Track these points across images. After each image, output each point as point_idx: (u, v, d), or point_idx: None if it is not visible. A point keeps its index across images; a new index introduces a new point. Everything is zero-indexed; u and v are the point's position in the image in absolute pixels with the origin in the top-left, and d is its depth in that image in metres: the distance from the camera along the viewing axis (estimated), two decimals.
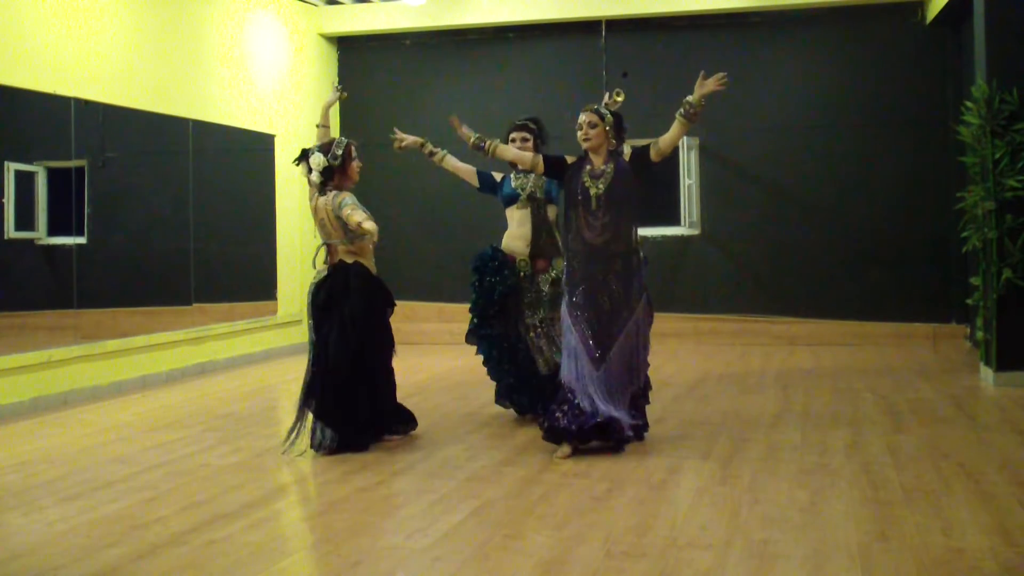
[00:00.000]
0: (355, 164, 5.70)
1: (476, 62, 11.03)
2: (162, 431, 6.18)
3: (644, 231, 10.60)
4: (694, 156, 10.40)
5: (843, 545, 3.67)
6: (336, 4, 10.97)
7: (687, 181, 10.30)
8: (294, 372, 8.92)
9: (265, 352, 9.79)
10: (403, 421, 5.78)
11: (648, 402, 5.56)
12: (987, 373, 7.45)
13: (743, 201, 10.42)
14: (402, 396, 7.30)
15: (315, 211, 5.61)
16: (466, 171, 6.21)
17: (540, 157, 5.43)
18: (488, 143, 5.51)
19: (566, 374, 5.21)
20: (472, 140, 5.55)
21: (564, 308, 5.30)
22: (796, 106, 10.31)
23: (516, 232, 6.07)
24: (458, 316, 11.69)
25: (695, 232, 10.44)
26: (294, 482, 5.00)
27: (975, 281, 7.71)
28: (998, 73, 7.34)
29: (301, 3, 10.74)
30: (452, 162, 6.17)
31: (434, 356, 9.46)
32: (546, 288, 6.01)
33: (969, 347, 9.37)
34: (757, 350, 9.78)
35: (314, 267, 5.66)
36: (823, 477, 4.69)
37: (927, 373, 8.03)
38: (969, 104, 7.59)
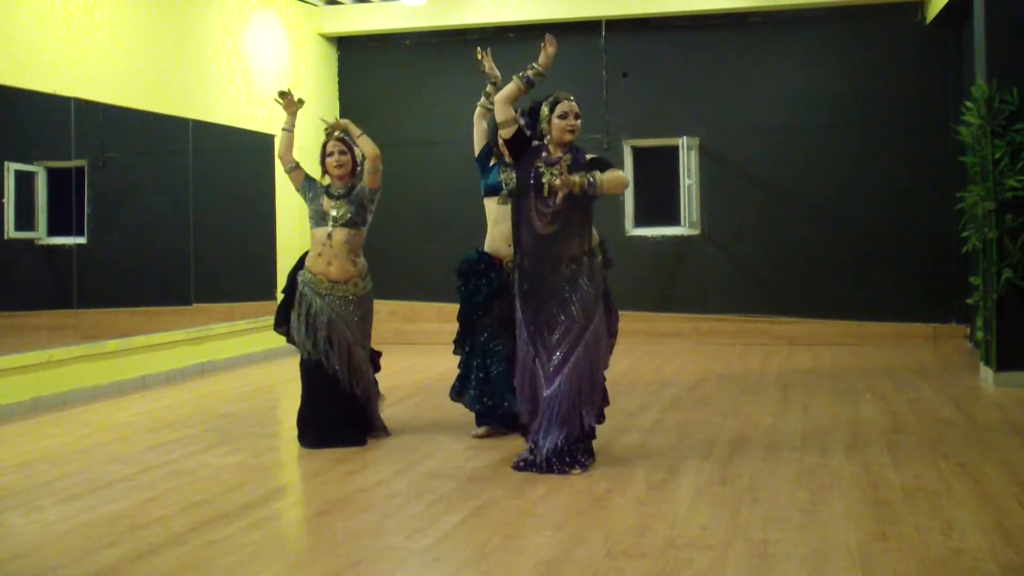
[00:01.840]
0: (328, 161, 5.71)
1: (476, 62, 11.02)
2: (162, 431, 6.17)
3: (644, 231, 10.74)
4: (694, 156, 10.40)
5: (843, 545, 3.67)
6: (336, 4, 10.97)
7: (687, 181, 10.30)
8: (294, 372, 8.87)
9: (265, 352, 9.78)
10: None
11: (603, 420, 5.10)
12: (987, 373, 7.45)
13: (743, 201, 10.42)
14: (403, 396, 7.34)
15: None
16: (479, 133, 5.96)
17: (518, 124, 5.03)
18: (527, 79, 4.97)
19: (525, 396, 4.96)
20: (523, 76, 4.98)
21: (518, 315, 4.98)
22: (796, 106, 10.31)
23: (495, 231, 5.81)
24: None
25: (695, 232, 10.44)
26: (294, 482, 5.00)
27: (975, 281, 7.71)
28: (998, 73, 7.34)
29: (301, 3, 10.74)
30: (479, 118, 5.94)
31: (434, 356, 9.45)
32: None
33: (969, 347, 9.37)
34: (757, 350, 9.78)
35: None
36: (823, 477, 4.69)
37: (927, 373, 8.03)
38: (969, 104, 7.59)
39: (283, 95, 5.88)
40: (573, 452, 4.85)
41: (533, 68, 4.98)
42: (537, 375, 4.90)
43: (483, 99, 6.00)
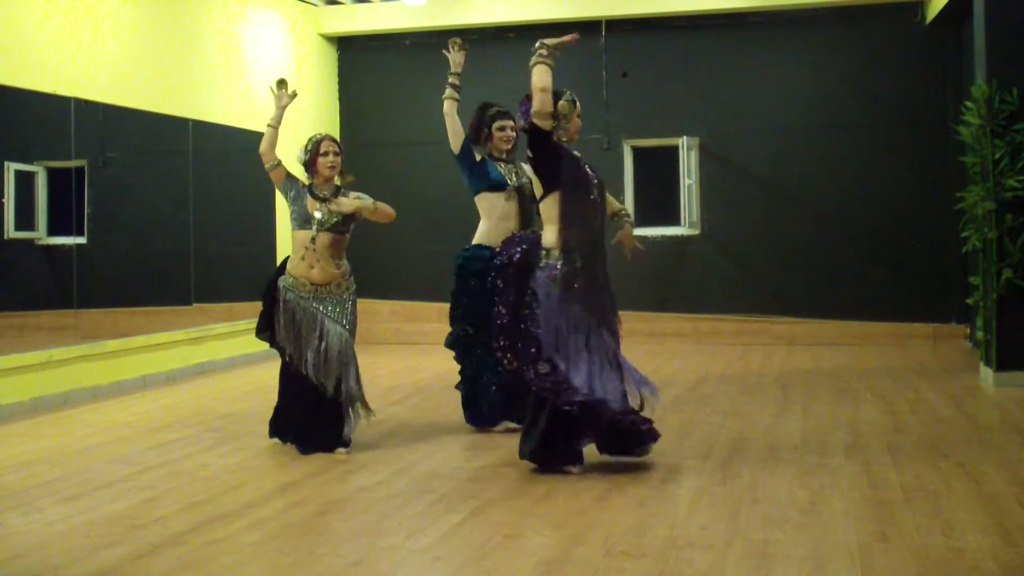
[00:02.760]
0: (321, 160, 5.52)
1: (476, 62, 10.99)
2: (162, 431, 6.17)
3: (644, 231, 10.73)
4: (694, 156, 10.40)
5: (843, 545, 3.67)
6: (336, 4, 10.98)
7: (687, 181, 10.30)
8: None
9: (265, 352, 9.73)
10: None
11: None
12: (987, 373, 7.45)
13: (743, 201, 10.42)
14: (402, 396, 7.35)
15: None
16: (456, 130, 5.88)
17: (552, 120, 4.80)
18: (550, 58, 4.77)
19: (619, 396, 4.77)
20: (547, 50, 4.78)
21: (555, 318, 4.72)
22: (796, 106, 10.31)
23: (499, 226, 5.70)
24: None
25: (695, 232, 10.44)
26: (294, 482, 4.99)
27: (975, 281, 7.71)
28: (998, 73, 7.34)
29: (301, 3, 10.74)
30: (452, 112, 5.88)
31: (434, 356, 9.44)
32: None
33: (969, 347, 9.37)
34: (757, 350, 9.77)
35: None
36: (823, 477, 4.68)
37: (927, 373, 8.02)
38: (969, 104, 7.59)
39: (281, 84, 5.82)
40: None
41: (544, 46, 4.79)
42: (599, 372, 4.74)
43: (449, 91, 5.93)
